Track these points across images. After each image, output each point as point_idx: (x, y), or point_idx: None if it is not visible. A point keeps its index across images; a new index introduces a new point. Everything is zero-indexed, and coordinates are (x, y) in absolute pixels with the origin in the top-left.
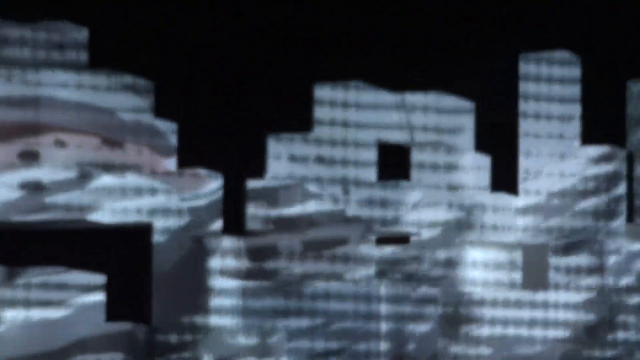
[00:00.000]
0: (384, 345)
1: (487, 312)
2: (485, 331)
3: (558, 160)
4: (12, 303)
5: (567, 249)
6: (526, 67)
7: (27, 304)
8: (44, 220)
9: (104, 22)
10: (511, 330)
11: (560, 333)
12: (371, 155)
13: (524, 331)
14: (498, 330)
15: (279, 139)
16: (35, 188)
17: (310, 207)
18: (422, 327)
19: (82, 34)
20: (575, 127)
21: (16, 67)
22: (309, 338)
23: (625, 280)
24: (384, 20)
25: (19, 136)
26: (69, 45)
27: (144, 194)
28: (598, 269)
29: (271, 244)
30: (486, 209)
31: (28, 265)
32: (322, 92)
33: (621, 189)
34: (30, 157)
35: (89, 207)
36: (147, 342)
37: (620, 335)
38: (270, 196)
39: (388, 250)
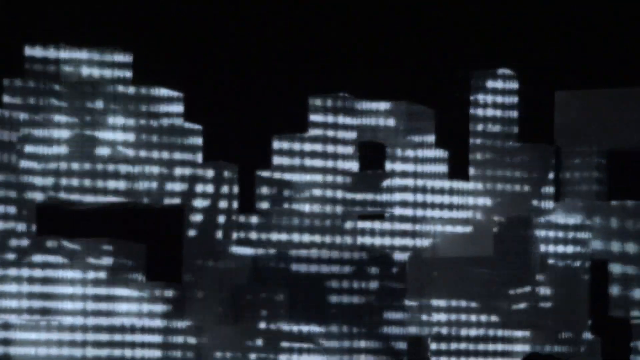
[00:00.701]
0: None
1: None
2: None
3: (501, 154)
4: None
5: (509, 223)
6: (476, 81)
7: None
8: None
9: (144, 48)
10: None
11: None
12: (354, 150)
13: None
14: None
15: (281, 138)
16: None
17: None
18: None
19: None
20: (514, 128)
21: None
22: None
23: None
24: (363, 47)
25: None
26: (118, 65)
27: None
28: (529, 236)
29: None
30: (444, 192)
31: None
32: (315, 102)
33: (550, 175)
34: None
35: None
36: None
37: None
38: (275, 183)
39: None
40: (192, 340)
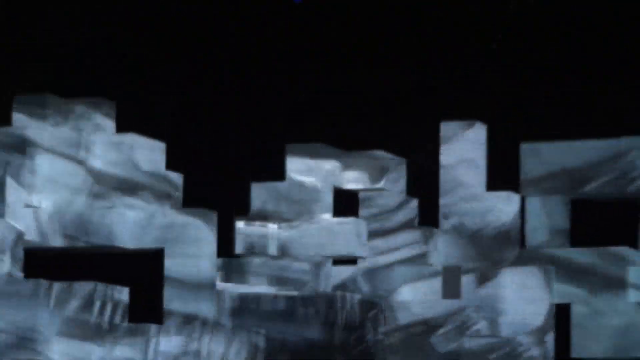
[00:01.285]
0: None
1: None
2: None
3: (469, 200)
4: None
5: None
6: (445, 130)
7: None
8: None
9: (128, 98)
10: None
11: None
12: (329, 197)
13: None
14: None
15: (259, 186)
16: None
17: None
18: None
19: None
20: (482, 176)
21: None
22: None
23: None
24: (339, 99)
25: None
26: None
27: None
28: None
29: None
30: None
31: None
32: (293, 150)
33: (516, 220)
34: None
35: None
36: None
37: None
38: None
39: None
40: None
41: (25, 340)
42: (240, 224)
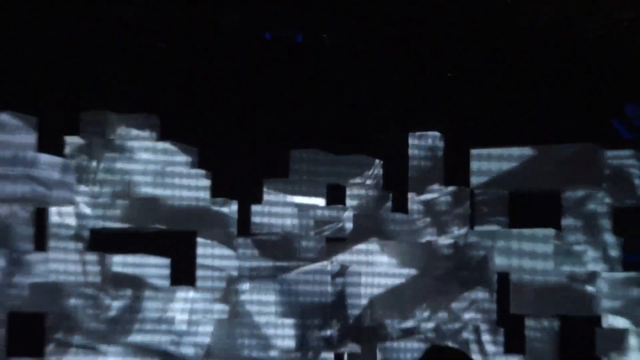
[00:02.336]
0: None
1: None
2: None
3: (432, 194)
4: None
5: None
6: (412, 139)
7: None
8: None
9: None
10: None
11: None
12: (323, 190)
13: None
14: None
15: (269, 183)
16: None
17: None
18: None
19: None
20: (440, 175)
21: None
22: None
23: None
24: (329, 116)
25: None
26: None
27: None
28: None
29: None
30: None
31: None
32: (295, 154)
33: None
34: None
35: None
36: None
37: None
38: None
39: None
40: None
41: None
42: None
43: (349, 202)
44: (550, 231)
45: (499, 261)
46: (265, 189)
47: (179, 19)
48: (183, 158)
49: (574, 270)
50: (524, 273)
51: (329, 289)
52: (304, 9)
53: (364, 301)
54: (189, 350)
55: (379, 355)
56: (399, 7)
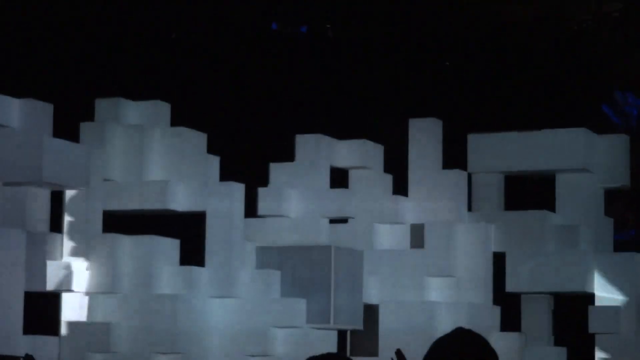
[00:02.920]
0: None
1: None
2: None
3: (431, 178)
4: None
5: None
6: (413, 124)
7: None
8: None
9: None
10: None
11: None
12: (327, 174)
13: None
14: None
15: (275, 165)
16: None
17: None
18: None
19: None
20: (439, 159)
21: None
22: None
23: None
24: (335, 101)
25: None
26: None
27: None
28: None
29: None
30: (389, 202)
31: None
32: (300, 139)
33: (464, 193)
34: None
35: None
36: None
37: None
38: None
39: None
40: None
41: None
42: None
43: (352, 185)
44: (545, 213)
45: (496, 242)
46: (271, 172)
47: (189, 10)
48: (193, 143)
49: (568, 250)
50: (519, 253)
51: (332, 267)
52: (309, 1)
53: (367, 279)
54: None
55: (381, 333)
56: None
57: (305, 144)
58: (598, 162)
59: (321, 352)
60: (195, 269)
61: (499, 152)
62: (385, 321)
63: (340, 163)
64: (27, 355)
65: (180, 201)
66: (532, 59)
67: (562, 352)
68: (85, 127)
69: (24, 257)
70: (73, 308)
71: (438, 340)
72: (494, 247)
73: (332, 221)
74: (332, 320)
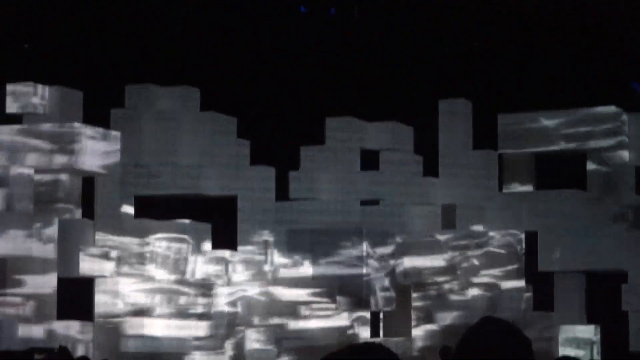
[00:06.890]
0: None
1: None
2: None
3: (461, 158)
4: None
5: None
6: (443, 105)
7: None
8: None
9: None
10: None
11: None
12: (357, 156)
13: None
14: None
15: (306, 148)
16: None
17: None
18: None
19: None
20: (470, 140)
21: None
22: None
23: None
24: (365, 85)
25: None
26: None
27: None
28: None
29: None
30: (420, 184)
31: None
32: (330, 122)
33: (495, 172)
34: None
35: None
36: None
37: None
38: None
39: None
40: None
41: None
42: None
43: (383, 166)
44: (576, 191)
45: (527, 221)
46: (302, 156)
47: None
48: (223, 127)
49: (600, 228)
50: (551, 232)
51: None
52: None
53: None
54: None
55: (413, 314)
56: None
57: (336, 126)
58: (629, 139)
59: (355, 332)
60: (227, 252)
61: (529, 131)
62: (417, 302)
63: (371, 145)
64: (60, 347)
65: (212, 185)
66: (562, 38)
67: (595, 329)
68: (115, 114)
69: (57, 243)
70: (106, 293)
71: (467, 332)
72: (526, 227)
73: (363, 203)
74: (365, 303)
